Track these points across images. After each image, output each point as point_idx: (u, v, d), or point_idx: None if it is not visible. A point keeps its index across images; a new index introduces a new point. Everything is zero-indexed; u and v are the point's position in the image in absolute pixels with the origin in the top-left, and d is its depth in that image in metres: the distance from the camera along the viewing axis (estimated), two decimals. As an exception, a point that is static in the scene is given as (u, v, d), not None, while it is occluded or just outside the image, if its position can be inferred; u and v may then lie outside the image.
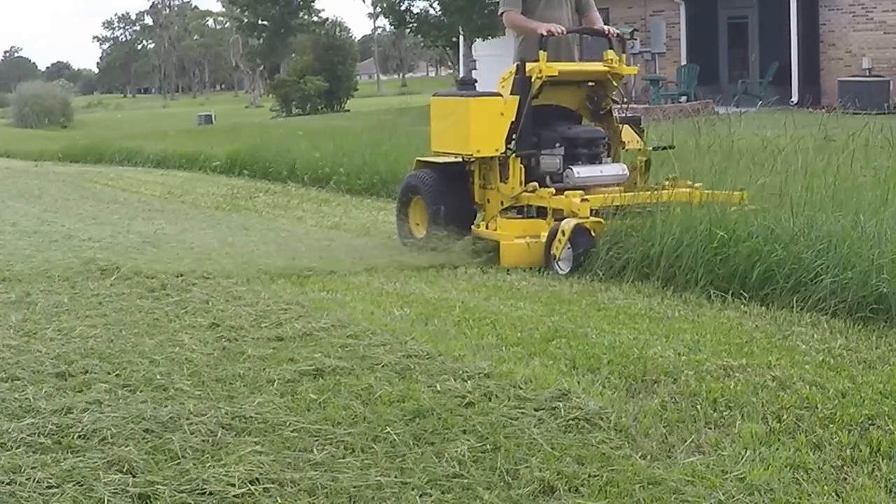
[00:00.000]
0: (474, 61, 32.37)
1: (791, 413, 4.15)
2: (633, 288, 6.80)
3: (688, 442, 3.90)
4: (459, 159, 8.57)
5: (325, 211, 12.34)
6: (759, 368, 4.77)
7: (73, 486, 3.58)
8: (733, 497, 3.40)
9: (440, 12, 32.97)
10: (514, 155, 8.13)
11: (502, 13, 8.63)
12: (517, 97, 8.12)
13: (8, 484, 3.61)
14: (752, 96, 24.33)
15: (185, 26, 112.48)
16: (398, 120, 23.04)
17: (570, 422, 4.14)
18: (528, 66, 8.11)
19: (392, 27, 49.91)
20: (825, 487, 3.46)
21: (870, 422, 4.02)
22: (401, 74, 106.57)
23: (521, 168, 8.08)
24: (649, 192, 7.77)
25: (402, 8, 34.25)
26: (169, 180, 17.59)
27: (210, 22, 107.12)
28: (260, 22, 57.27)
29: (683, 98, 25.31)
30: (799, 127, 8.83)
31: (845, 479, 3.54)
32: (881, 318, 5.63)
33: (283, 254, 8.60)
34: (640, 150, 8.55)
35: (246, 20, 58.81)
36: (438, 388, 4.61)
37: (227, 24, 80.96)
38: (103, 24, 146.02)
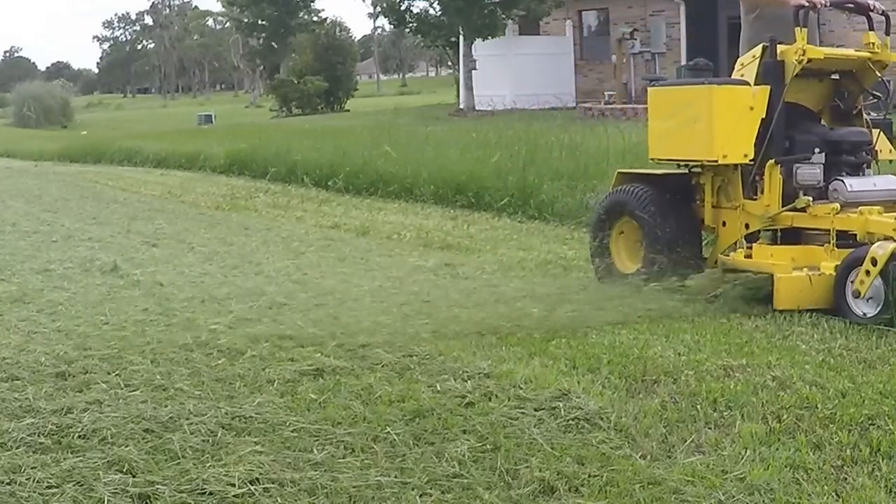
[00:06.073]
0: (474, 61, 32.34)
1: (791, 413, 4.15)
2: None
3: (688, 442, 3.90)
4: (685, 170, 6.85)
5: (325, 211, 12.33)
6: (759, 368, 4.77)
7: (73, 486, 3.59)
8: (733, 497, 3.40)
9: (440, 12, 32.92)
10: (773, 162, 6.35)
11: None
12: (767, 87, 6.39)
13: (8, 484, 3.61)
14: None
15: (185, 26, 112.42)
16: (397, 120, 23.05)
17: (570, 422, 4.14)
18: (781, 47, 6.39)
19: (392, 27, 49.90)
20: (825, 487, 3.46)
21: (870, 422, 4.02)
22: (401, 74, 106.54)
23: (780, 179, 6.34)
24: None
25: (402, 8, 34.19)
26: (169, 180, 17.59)
27: (210, 22, 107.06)
28: (259, 22, 57.27)
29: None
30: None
31: (845, 479, 3.54)
32: (881, 317, 5.63)
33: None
34: (892, 160, 6.88)
35: (246, 20, 58.82)
36: (438, 388, 4.61)
37: (227, 24, 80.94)
38: (103, 24, 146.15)
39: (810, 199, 6.26)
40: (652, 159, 7.00)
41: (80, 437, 4.07)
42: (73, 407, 4.43)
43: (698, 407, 4.27)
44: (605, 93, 29.06)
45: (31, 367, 5.13)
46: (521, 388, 4.55)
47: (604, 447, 3.85)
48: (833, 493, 3.42)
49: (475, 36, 31.78)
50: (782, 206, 6.33)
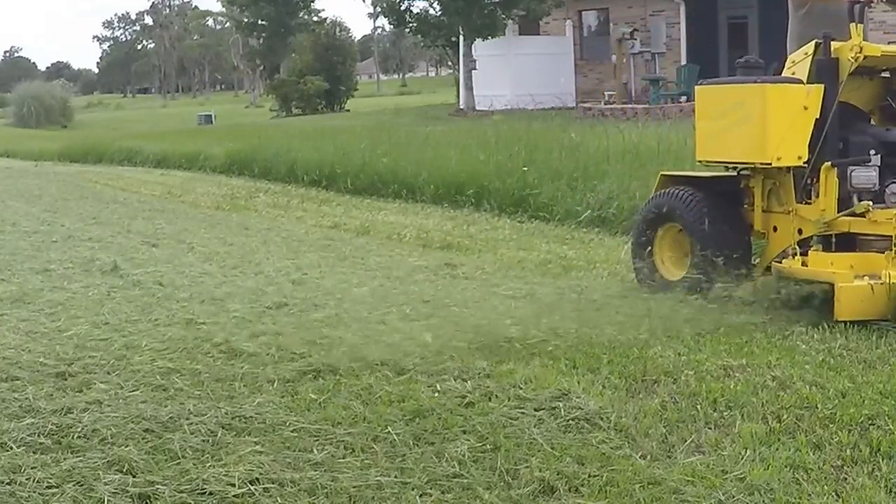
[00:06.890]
0: (474, 61, 32.35)
1: (791, 413, 4.16)
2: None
3: (688, 442, 3.90)
4: (733, 173, 6.55)
5: (325, 211, 12.33)
6: (759, 368, 4.77)
7: (73, 486, 3.59)
8: (733, 497, 3.40)
9: (440, 12, 32.93)
10: (829, 165, 6.05)
11: None
12: (821, 86, 6.11)
13: (8, 484, 3.61)
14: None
15: (185, 26, 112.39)
16: (397, 120, 23.04)
17: (570, 422, 4.14)
18: (836, 44, 6.11)
19: (392, 27, 49.88)
20: (825, 487, 3.46)
21: (870, 422, 4.02)
22: (401, 74, 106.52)
23: (836, 183, 6.05)
24: None
25: (402, 8, 34.19)
26: (169, 180, 17.59)
27: (210, 22, 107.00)
28: (259, 22, 57.28)
29: (683, 98, 25.30)
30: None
31: (845, 479, 3.54)
32: (881, 317, 5.62)
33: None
34: None
35: (245, 20, 58.84)
36: (438, 388, 4.61)
37: (227, 24, 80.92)
38: (103, 24, 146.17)
39: (870, 203, 5.95)
40: (699, 162, 6.72)
41: (80, 437, 4.08)
42: (73, 407, 4.43)
43: (698, 407, 4.27)
44: (605, 93, 29.07)
45: (31, 367, 5.13)
46: (521, 388, 4.55)
47: (604, 447, 3.85)
48: (833, 493, 3.42)
49: (475, 36, 31.79)
50: (837, 211, 6.06)
